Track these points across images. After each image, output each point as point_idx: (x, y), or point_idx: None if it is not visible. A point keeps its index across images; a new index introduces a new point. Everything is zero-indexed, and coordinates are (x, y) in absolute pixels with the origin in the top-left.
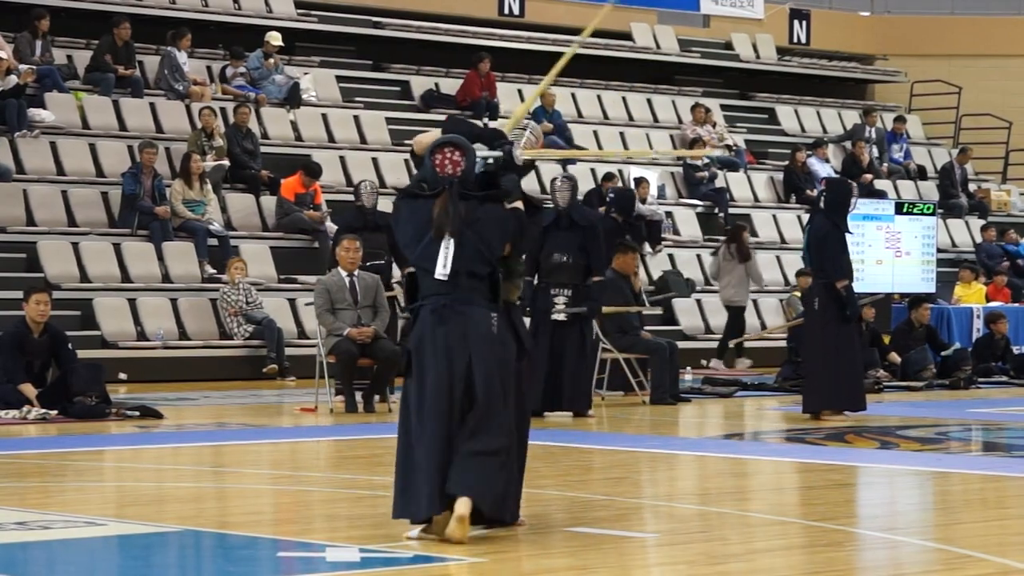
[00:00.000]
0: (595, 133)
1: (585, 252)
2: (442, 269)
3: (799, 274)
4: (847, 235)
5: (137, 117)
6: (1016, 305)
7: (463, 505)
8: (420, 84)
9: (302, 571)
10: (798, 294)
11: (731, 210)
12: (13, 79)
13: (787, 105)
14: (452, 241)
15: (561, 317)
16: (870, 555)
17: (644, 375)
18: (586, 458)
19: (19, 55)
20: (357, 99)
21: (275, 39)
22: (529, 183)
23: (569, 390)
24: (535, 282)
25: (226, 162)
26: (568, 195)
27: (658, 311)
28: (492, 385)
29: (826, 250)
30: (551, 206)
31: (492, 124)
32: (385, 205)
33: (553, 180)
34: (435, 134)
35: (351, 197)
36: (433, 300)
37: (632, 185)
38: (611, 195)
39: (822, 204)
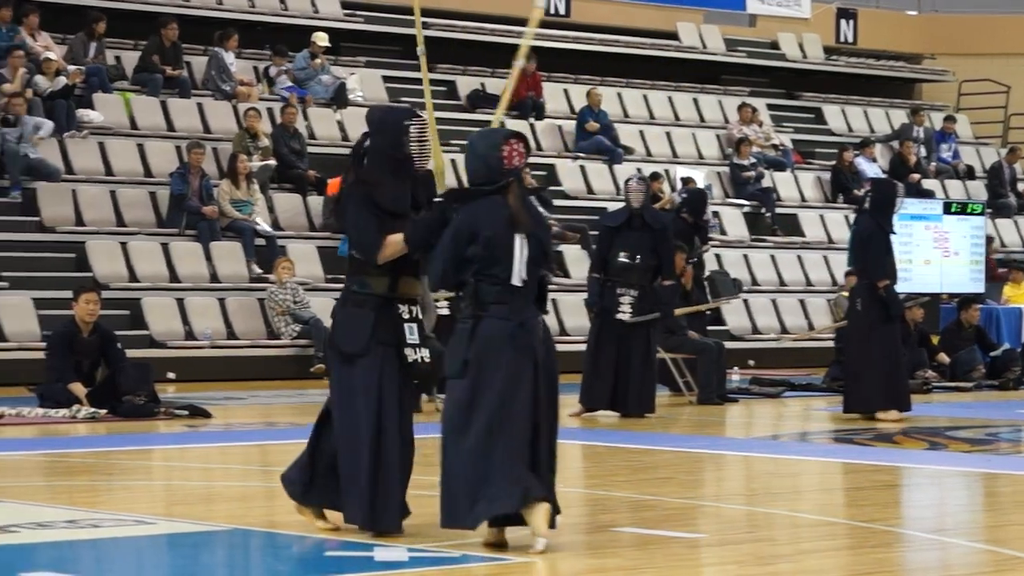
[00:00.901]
0: (641, 133)
1: (655, 254)
2: (520, 274)
3: (848, 274)
4: (892, 236)
5: (185, 117)
6: None
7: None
8: (466, 84)
9: (350, 570)
10: (845, 294)
11: (778, 210)
12: (62, 80)
13: (834, 105)
14: (525, 241)
15: (626, 317)
16: (919, 556)
17: (691, 375)
18: (634, 458)
19: (72, 56)
20: (403, 99)
21: (321, 39)
22: (603, 182)
23: (635, 393)
24: (601, 280)
25: (273, 162)
26: (642, 196)
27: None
28: (557, 392)
29: (869, 250)
30: (623, 206)
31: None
32: None
33: (627, 180)
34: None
35: None
36: (501, 309)
37: (679, 185)
38: (683, 195)
39: (867, 204)
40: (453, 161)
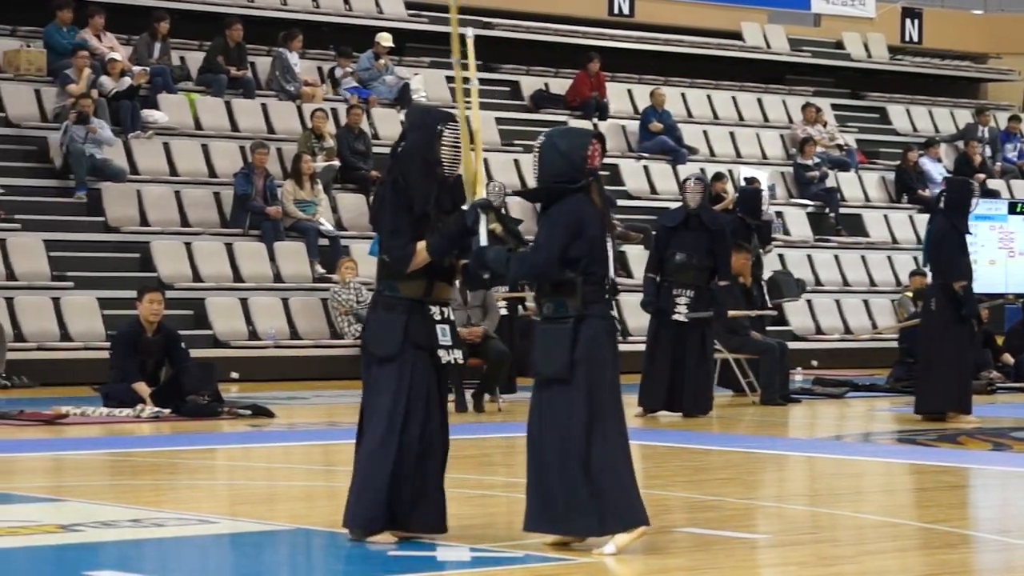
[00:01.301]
0: (705, 133)
1: (711, 255)
2: (611, 272)
3: (912, 274)
4: (967, 236)
5: (249, 118)
6: None
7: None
8: (530, 84)
9: (413, 570)
10: (909, 294)
11: (842, 210)
12: (127, 80)
13: (899, 104)
14: (610, 240)
15: (682, 318)
16: (983, 557)
17: (754, 375)
18: (697, 459)
19: (137, 57)
20: (467, 99)
21: (385, 40)
22: (666, 183)
23: (691, 392)
24: (657, 281)
25: (336, 162)
26: (700, 196)
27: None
28: None
29: (944, 251)
30: (680, 205)
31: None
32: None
33: (685, 180)
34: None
35: None
36: (600, 307)
37: (743, 185)
38: (737, 195)
39: (942, 204)
40: (516, 161)
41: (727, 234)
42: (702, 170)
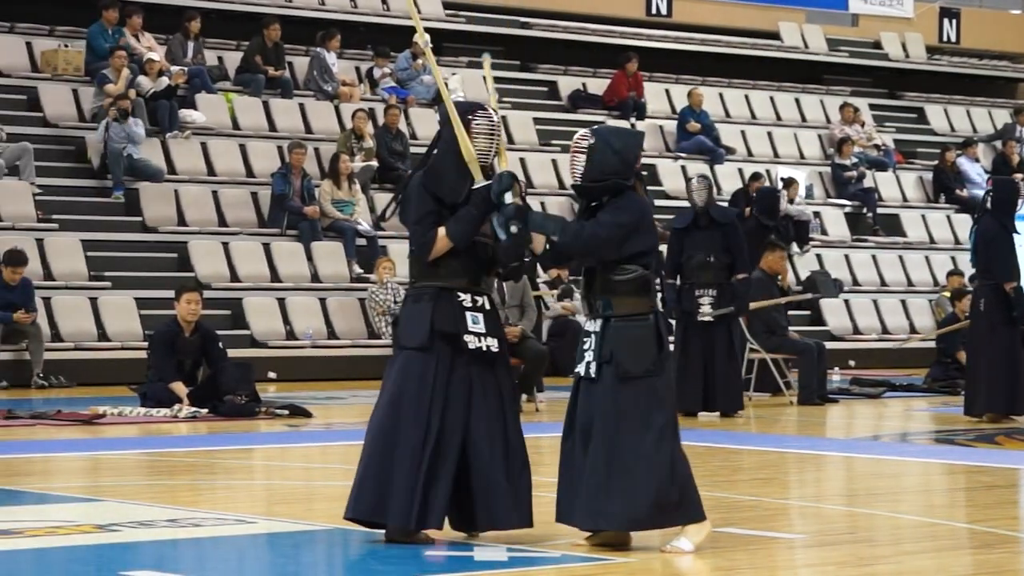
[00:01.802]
0: (743, 133)
1: (728, 251)
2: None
3: (950, 274)
4: (1015, 236)
5: (286, 118)
6: None
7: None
8: (567, 84)
9: (450, 570)
10: (947, 294)
11: (879, 210)
12: (164, 80)
13: (936, 104)
14: None
15: (707, 318)
16: (1021, 558)
17: (792, 375)
18: (734, 458)
19: (171, 57)
20: (505, 99)
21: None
22: (676, 182)
23: (722, 391)
24: (678, 283)
25: (374, 163)
26: (705, 194)
27: (806, 311)
28: None
29: (993, 251)
30: (687, 206)
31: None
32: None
33: (689, 180)
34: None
35: None
36: (658, 303)
37: (780, 186)
38: (754, 195)
39: (989, 204)
40: (554, 161)
41: (739, 227)
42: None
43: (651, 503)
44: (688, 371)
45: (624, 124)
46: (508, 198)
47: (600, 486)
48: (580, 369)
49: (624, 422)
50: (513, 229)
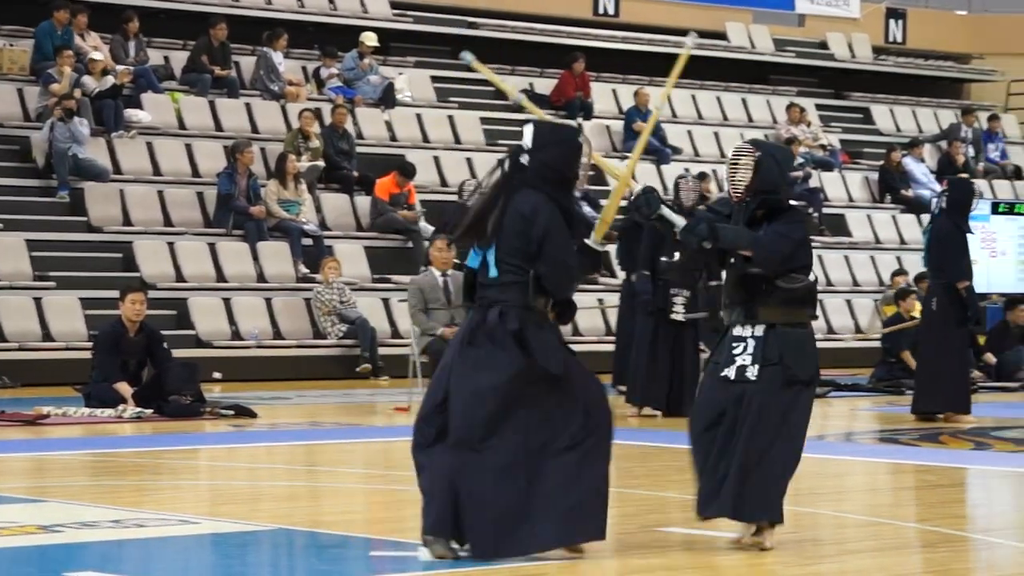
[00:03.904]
0: (689, 133)
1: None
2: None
3: (895, 274)
4: (968, 236)
5: (233, 117)
6: None
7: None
8: (515, 84)
9: (394, 571)
10: (892, 293)
11: (825, 210)
12: (110, 80)
13: (882, 105)
14: None
15: (680, 317)
16: (965, 557)
17: None
18: (683, 458)
19: (114, 56)
20: (452, 99)
21: (370, 39)
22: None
23: (689, 393)
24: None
25: (321, 163)
26: (694, 195)
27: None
28: None
29: (947, 251)
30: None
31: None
32: None
33: (679, 179)
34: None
35: (446, 197)
36: None
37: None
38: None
39: (944, 204)
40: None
41: None
42: (686, 170)
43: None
44: (657, 369)
45: (571, 123)
46: (667, 212)
47: (760, 478)
48: (730, 373)
49: (791, 426)
50: (707, 246)
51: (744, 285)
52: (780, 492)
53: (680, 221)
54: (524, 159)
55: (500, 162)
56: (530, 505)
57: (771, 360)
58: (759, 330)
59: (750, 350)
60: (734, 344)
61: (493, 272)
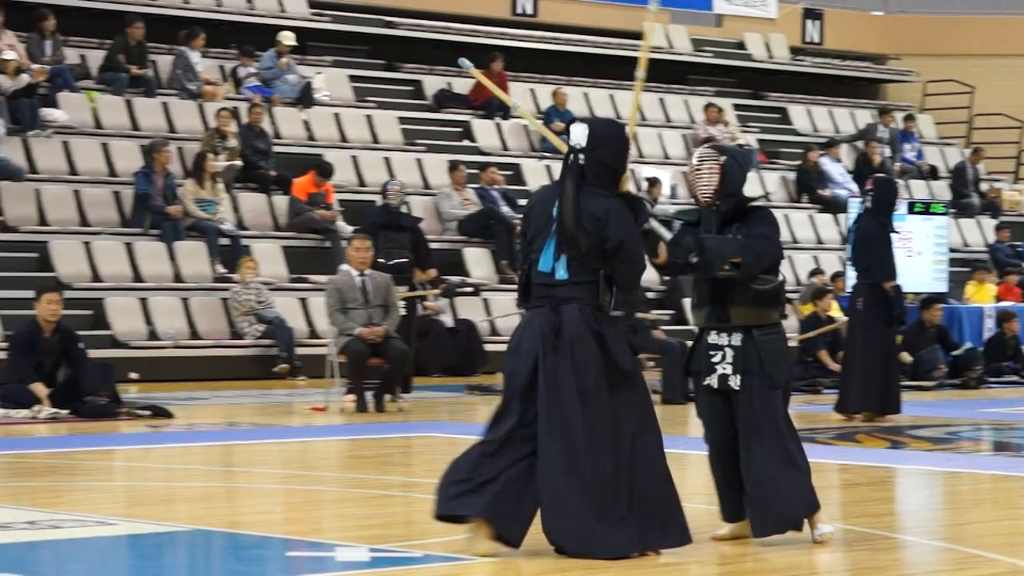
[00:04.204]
0: None
1: None
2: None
3: (812, 274)
4: (893, 235)
5: (150, 117)
6: None
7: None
8: (432, 84)
9: (311, 571)
10: (808, 292)
11: None
12: (25, 78)
13: (800, 105)
14: None
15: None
16: (880, 555)
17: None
18: None
19: (31, 55)
20: (369, 99)
21: (288, 39)
22: (541, 181)
23: None
24: None
25: (238, 162)
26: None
27: (671, 311)
28: None
29: (873, 250)
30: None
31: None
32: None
33: None
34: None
35: (363, 197)
36: None
37: (644, 185)
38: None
39: (869, 203)
40: (419, 160)
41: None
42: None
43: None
44: None
45: (490, 123)
46: (656, 225)
47: (773, 487)
48: (712, 381)
49: (781, 426)
50: (693, 259)
51: (714, 287)
52: (802, 497)
53: (667, 234)
54: (580, 159)
55: (565, 166)
56: (615, 506)
57: (752, 369)
58: (736, 338)
59: (729, 359)
60: (711, 352)
61: (563, 274)
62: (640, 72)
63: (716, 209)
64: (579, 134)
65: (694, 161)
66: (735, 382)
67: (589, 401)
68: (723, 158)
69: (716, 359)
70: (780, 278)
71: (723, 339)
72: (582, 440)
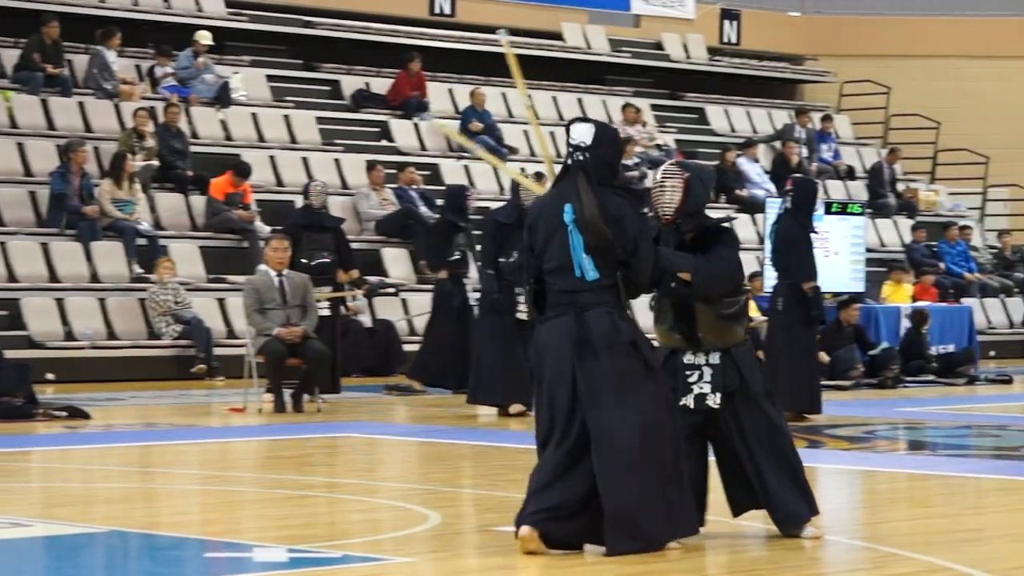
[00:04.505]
0: (525, 133)
1: None
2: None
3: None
4: (812, 235)
5: (66, 116)
6: (943, 304)
7: None
8: (350, 84)
9: (229, 571)
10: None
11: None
12: None
13: (717, 105)
14: None
15: (524, 316)
16: (797, 554)
17: None
18: (516, 457)
19: None
20: (287, 98)
21: (204, 38)
22: (487, 182)
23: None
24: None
25: (155, 162)
26: (532, 195)
27: None
28: None
29: (793, 251)
30: (504, 204)
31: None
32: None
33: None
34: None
35: (281, 197)
36: None
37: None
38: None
39: (789, 204)
40: (337, 161)
41: None
42: (522, 169)
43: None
44: (506, 367)
45: (408, 124)
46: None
47: (787, 490)
48: (688, 401)
49: (770, 435)
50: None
51: (682, 308)
52: (801, 494)
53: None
54: (582, 157)
55: (573, 165)
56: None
57: (732, 386)
58: (714, 357)
59: (707, 377)
60: (687, 372)
61: (593, 275)
62: (525, 100)
63: (676, 227)
64: (584, 132)
65: (657, 176)
66: (714, 400)
67: (630, 401)
68: (687, 174)
69: (692, 379)
70: (743, 298)
71: (699, 359)
72: (634, 437)
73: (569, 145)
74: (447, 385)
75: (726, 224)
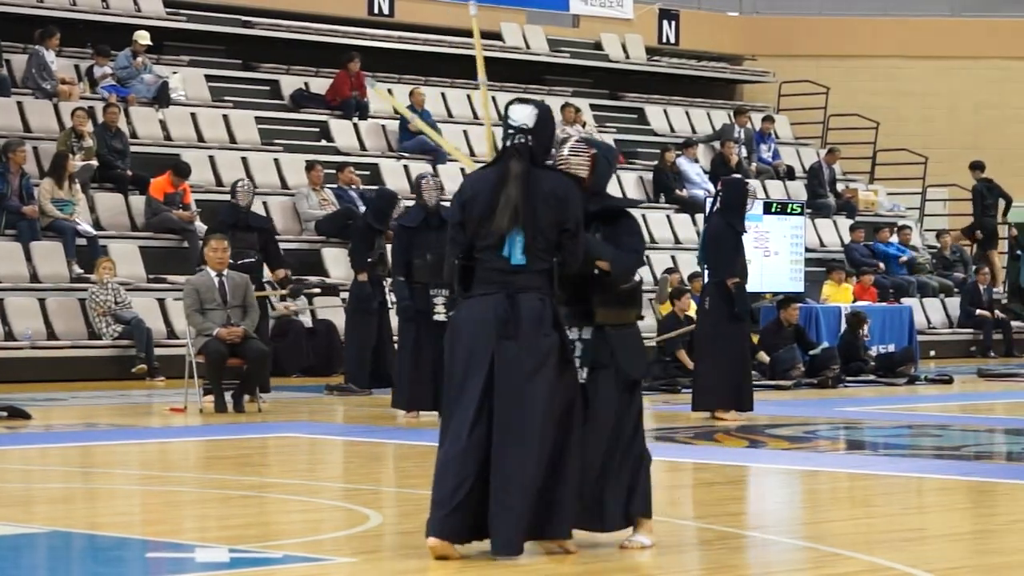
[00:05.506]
0: (465, 133)
1: None
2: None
3: (666, 272)
4: (743, 235)
5: (4, 116)
6: (882, 304)
7: None
8: (290, 83)
9: (171, 571)
10: (667, 292)
11: None
12: None
13: (656, 105)
14: None
15: (443, 318)
16: (739, 554)
17: None
18: None
19: None
20: (226, 98)
21: (143, 38)
22: (399, 181)
23: None
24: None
25: (94, 162)
26: (436, 194)
27: None
28: None
29: (720, 250)
30: (409, 208)
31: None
32: (259, 205)
33: (420, 179)
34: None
35: (221, 197)
36: None
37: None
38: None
39: (718, 204)
40: (276, 160)
41: None
42: (434, 169)
43: (641, 497)
44: (422, 372)
45: (347, 124)
46: None
47: (612, 486)
48: None
49: (634, 422)
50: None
51: (573, 286)
52: (644, 492)
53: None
54: (523, 140)
55: (512, 147)
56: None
57: (603, 362)
58: (587, 332)
59: (578, 352)
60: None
61: (520, 259)
62: (481, 76)
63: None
64: (527, 115)
65: (564, 152)
66: (582, 375)
67: (547, 385)
68: (594, 151)
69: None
70: (638, 279)
71: (574, 333)
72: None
73: (509, 127)
74: (379, 386)
75: (629, 209)
